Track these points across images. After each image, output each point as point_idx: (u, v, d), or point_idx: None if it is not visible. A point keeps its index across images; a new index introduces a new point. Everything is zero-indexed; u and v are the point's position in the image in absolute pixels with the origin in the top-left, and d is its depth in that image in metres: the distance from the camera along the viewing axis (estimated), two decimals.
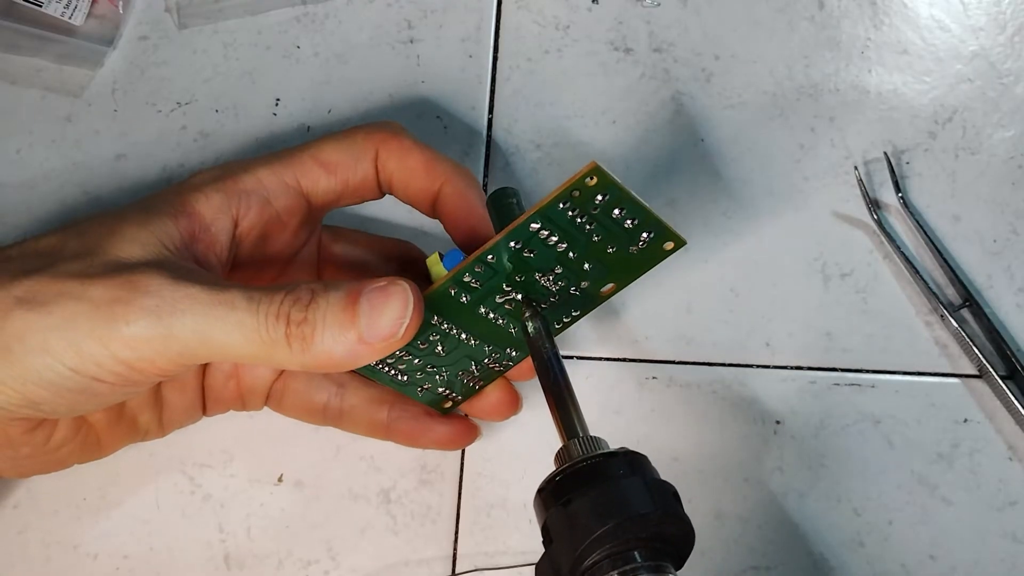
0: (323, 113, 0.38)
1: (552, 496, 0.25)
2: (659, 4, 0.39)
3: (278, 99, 0.39)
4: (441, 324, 0.28)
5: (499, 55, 0.39)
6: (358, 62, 0.39)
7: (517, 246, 0.27)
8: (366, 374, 0.29)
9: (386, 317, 0.25)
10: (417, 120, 0.38)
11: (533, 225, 0.26)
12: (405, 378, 0.30)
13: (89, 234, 0.27)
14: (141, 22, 0.39)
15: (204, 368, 0.32)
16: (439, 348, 0.29)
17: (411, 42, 0.39)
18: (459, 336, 0.29)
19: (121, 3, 0.39)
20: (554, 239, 0.27)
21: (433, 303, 0.27)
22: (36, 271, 0.26)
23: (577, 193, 0.26)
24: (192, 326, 0.25)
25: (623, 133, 0.37)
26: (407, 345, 0.27)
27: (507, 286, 0.28)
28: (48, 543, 0.34)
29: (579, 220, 0.26)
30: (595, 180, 0.25)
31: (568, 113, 0.38)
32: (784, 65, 0.38)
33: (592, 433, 0.27)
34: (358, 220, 0.37)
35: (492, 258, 0.27)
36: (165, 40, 0.39)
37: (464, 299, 0.28)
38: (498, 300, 0.28)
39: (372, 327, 0.25)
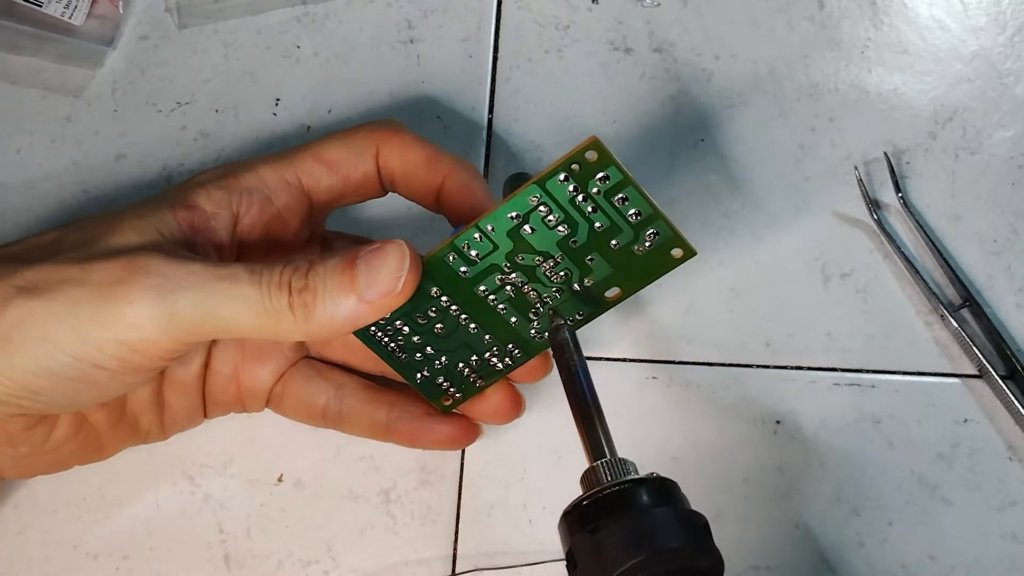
0: (323, 113, 0.38)
1: (578, 522, 0.24)
2: (659, 4, 0.39)
3: (278, 99, 0.39)
4: (439, 297, 0.28)
5: (499, 55, 0.39)
6: (358, 62, 0.39)
7: (515, 219, 0.27)
8: (364, 340, 0.29)
9: (383, 273, 0.26)
10: (417, 120, 0.38)
11: (532, 198, 0.26)
12: (404, 356, 0.30)
13: (88, 228, 0.27)
14: (141, 22, 0.39)
15: (205, 370, 0.32)
16: (438, 326, 0.29)
17: (411, 42, 0.39)
18: (459, 317, 0.29)
19: (121, 3, 0.39)
20: (553, 218, 0.27)
21: (431, 270, 0.28)
22: (37, 261, 0.26)
23: (576, 167, 0.26)
24: (196, 301, 0.25)
25: (623, 133, 0.37)
26: (405, 316, 0.27)
27: (507, 266, 0.28)
28: (48, 543, 0.34)
29: (580, 200, 0.26)
30: (595, 155, 0.25)
31: (568, 113, 0.38)
32: (784, 65, 0.38)
33: (624, 457, 0.26)
34: (362, 221, 0.37)
35: (491, 228, 0.27)
36: (165, 40, 0.39)
37: (463, 271, 0.28)
38: (498, 281, 0.28)
39: (370, 285, 0.25)
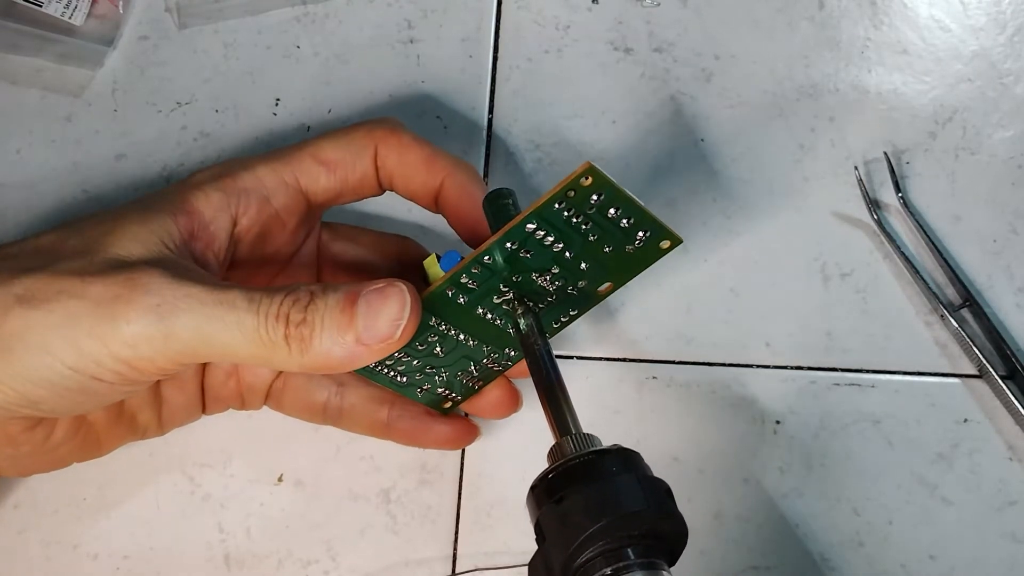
0: (323, 113, 0.38)
1: (545, 493, 0.25)
2: (659, 4, 0.39)
3: (278, 99, 0.39)
4: (439, 325, 0.28)
5: (499, 55, 0.39)
6: (358, 62, 0.39)
7: (513, 247, 0.27)
8: (365, 375, 0.29)
9: (383, 319, 0.25)
10: (417, 120, 0.38)
11: (529, 226, 0.26)
12: (404, 379, 0.30)
13: (88, 232, 0.27)
14: (141, 22, 0.39)
15: (204, 367, 0.32)
16: (437, 349, 0.29)
17: (411, 42, 0.39)
18: (457, 337, 0.29)
19: (121, 3, 0.39)
20: (550, 239, 0.27)
21: (431, 304, 0.27)
22: (36, 269, 0.26)
23: (572, 193, 0.26)
24: (193, 325, 0.25)
25: (623, 133, 0.37)
26: (405, 347, 0.27)
27: (504, 287, 0.28)
28: (48, 543, 0.34)
29: (575, 220, 0.27)
30: (590, 180, 0.25)
31: (568, 113, 0.38)
32: (784, 65, 0.38)
33: (590, 432, 0.26)
34: (357, 216, 0.37)
35: (489, 259, 0.27)
36: (165, 40, 0.39)
37: (461, 300, 0.28)
38: (495, 300, 0.28)
39: (369, 329, 0.25)
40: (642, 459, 0.26)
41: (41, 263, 0.26)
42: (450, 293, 0.28)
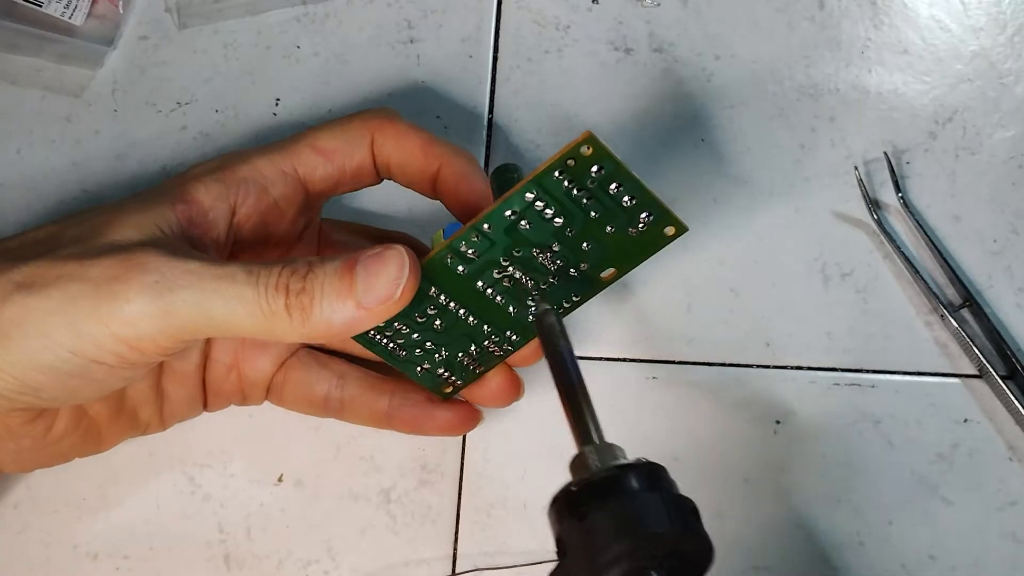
0: (323, 113, 0.38)
1: (567, 508, 0.24)
2: (659, 4, 0.39)
3: (278, 99, 0.39)
4: (438, 296, 0.28)
5: (499, 55, 0.39)
6: (358, 62, 0.39)
7: (512, 216, 0.27)
8: (363, 344, 0.29)
9: (382, 280, 0.25)
10: (417, 119, 0.37)
11: (528, 195, 0.26)
12: (404, 353, 0.30)
13: (87, 222, 0.27)
14: (141, 22, 0.39)
15: (205, 361, 0.32)
16: (437, 322, 0.29)
17: (411, 42, 0.39)
18: (457, 312, 0.29)
19: (121, 3, 0.39)
20: (550, 212, 0.27)
21: (429, 272, 0.27)
22: (35, 257, 0.26)
23: (572, 162, 0.26)
24: (192, 300, 0.25)
25: (623, 133, 0.37)
26: (404, 317, 0.27)
27: (504, 260, 0.28)
28: (48, 543, 0.34)
29: (576, 192, 0.26)
30: (590, 150, 0.25)
31: (568, 113, 0.38)
32: (784, 65, 0.38)
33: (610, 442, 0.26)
34: (357, 212, 0.37)
35: (488, 227, 0.27)
36: (165, 40, 0.39)
37: (461, 270, 0.28)
38: (496, 275, 0.28)
39: (369, 291, 0.25)
40: (667, 474, 0.25)
41: (40, 252, 0.26)
42: (449, 260, 0.27)
